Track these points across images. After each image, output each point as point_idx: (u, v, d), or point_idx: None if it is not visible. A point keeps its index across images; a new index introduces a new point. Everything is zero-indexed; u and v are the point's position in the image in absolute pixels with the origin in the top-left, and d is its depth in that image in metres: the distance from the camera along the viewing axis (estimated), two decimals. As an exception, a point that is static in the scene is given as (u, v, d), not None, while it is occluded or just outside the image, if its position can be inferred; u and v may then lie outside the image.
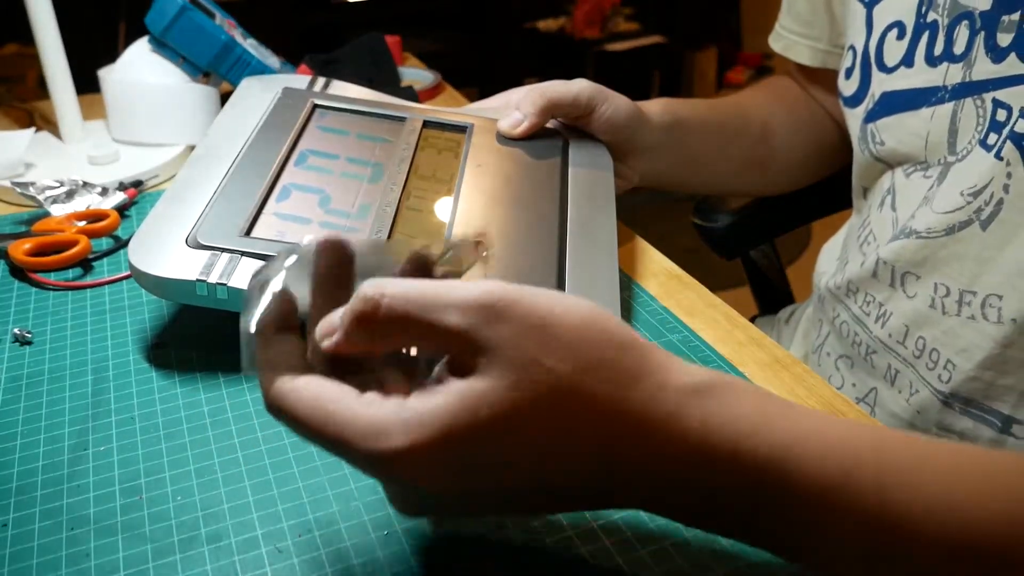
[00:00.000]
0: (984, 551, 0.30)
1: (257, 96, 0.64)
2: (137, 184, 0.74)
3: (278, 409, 0.31)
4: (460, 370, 0.30)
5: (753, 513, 0.31)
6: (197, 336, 0.54)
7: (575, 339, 0.30)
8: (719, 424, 0.30)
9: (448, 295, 0.30)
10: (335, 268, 0.34)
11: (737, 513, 0.32)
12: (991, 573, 0.30)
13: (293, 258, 0.34)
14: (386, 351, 0.33)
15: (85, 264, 0.63)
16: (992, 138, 0.51)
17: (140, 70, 0.82)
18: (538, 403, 0.29)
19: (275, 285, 0.34)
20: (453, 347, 0.31)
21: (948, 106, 0.54)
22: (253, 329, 0.33)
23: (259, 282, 0.34)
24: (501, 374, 0.29)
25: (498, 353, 0.29)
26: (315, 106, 0.63)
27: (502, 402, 0.29)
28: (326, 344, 0.32)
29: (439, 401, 0.29)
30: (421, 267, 0.35)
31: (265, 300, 0.33)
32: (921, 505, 0.30)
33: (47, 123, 0.90)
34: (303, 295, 0.34)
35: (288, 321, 0.33)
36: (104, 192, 0.71)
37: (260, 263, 0.48)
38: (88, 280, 0.61)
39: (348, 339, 0.31)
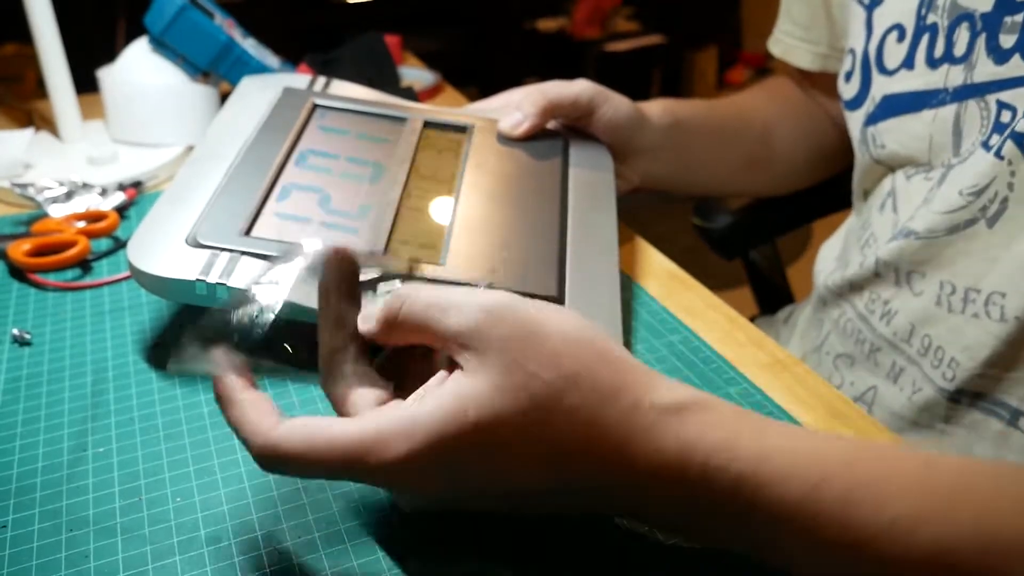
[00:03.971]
0: (954, 563, 0.30)
1: (257, 95, 0.64)
2: (136, 184, 0.74)
3: (275, 458, 0.33)
4: (457, 367, 0.33)
5: (725, 526, 0.33)
6: (197, 337, 0.53)
7: (559, 349, 0.32)
8: (692, 441, 0.32)
9: (457, 300, 0.34)
10: (349, 278, 0.38)
11: (710, 525, 0.33)
12: None
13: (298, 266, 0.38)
14: (404, 344, 0.37)
15: (84, 265, 0.63)
16: (994, 139, 0.51)
17: (139, 70, 0.81)
18: (518, 407, 0.31)
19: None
20: (452, 343, 0.33)
21: (950, 108, 0.54)
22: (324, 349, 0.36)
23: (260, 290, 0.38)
24: (488, 376, 0.32)
25: (488, 354, 0.32)
26: (315, 106, 0.63)
27: (487, 404, 0.31)
28: (363, 327, 0.37)
29: (431, 406, 0.32)
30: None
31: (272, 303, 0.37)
32: (888, 518, 0.30)
33: (46, 123, 0.89)
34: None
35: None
36: (103, 192, 0.71)
37: (260, 263, 0.48)
38: (87, 281, 0.60)
39: (379, 329, 0.36)
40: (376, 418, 0.32)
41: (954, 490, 0.32)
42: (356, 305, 0.38)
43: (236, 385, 0.35)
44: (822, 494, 0.31)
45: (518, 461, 0.32)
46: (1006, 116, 0.50)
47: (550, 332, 0.33)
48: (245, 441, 0.34)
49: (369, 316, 0.37)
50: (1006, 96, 0.50)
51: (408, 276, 0.43)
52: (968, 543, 0.30)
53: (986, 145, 0.51)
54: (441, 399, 0.32)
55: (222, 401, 0.35)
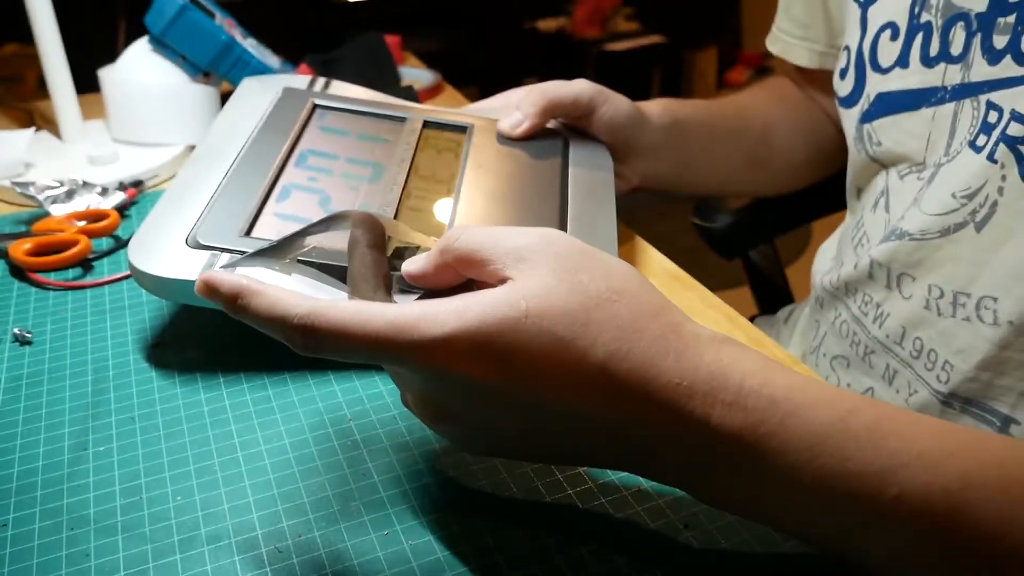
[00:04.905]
0: (977, 499, 0.30)
1: (257, 96, 0.64)
2: (137, 184, 0.74)
3: (317, 328, 0.32)
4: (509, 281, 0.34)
5: (746, 459, 0.32)
6: (197, 336, 0.54)
7: (608, 270, 0.34)
8: (729, 363, 0.33)
9: (513, 229, 0.35)
10: (375, 233, 0.38)
11: (730, 461, 0.33)
12: (986, 524, 0.30)
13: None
14: (451, 282, 0.37)
15: (85, 264, 0.63)
16: (981, 139, 0.51)
17: (140, 70, 0.82)
18: (568, 305, 0.32)
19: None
20: (507, 259, 0.34)
21: (949, 107, 0.54)
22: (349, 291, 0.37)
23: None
24: (541, 280, 0.33)
25: (542, 264, 0.33)
26: (315, 106, 0.63)
27: (540, 296, 0.32)
28: (411, 268, 0.37)
29: (483, 295, 0.32)
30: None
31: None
32: (916, 451, 0.31)
33: (47, 123, 0.90)
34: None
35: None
36: (104, 192, 0.71)
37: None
38: (88, 280, 0.61)
39: (433, 261, 0.36)
40: (424, 302, 0.32)
41: (974, 436, 0.33)
42: (383, 254, 0.38)
43: (254, 281, 0.34)
44: (851, 423, 0.32)
45: (559, 362, 0.32)
46: (993, 117, 0.50)
47: (601, 256, 0.35)
48: (282, 319, 0.32)
49: (418, 258, 0.37)
50: (995, 97, 0.50)
51: None
52: (992, 480, 0.31)
53: (973, 145, 0.51)
54: (495, 291, 0.32)
55: (245, 294, 0.33)
